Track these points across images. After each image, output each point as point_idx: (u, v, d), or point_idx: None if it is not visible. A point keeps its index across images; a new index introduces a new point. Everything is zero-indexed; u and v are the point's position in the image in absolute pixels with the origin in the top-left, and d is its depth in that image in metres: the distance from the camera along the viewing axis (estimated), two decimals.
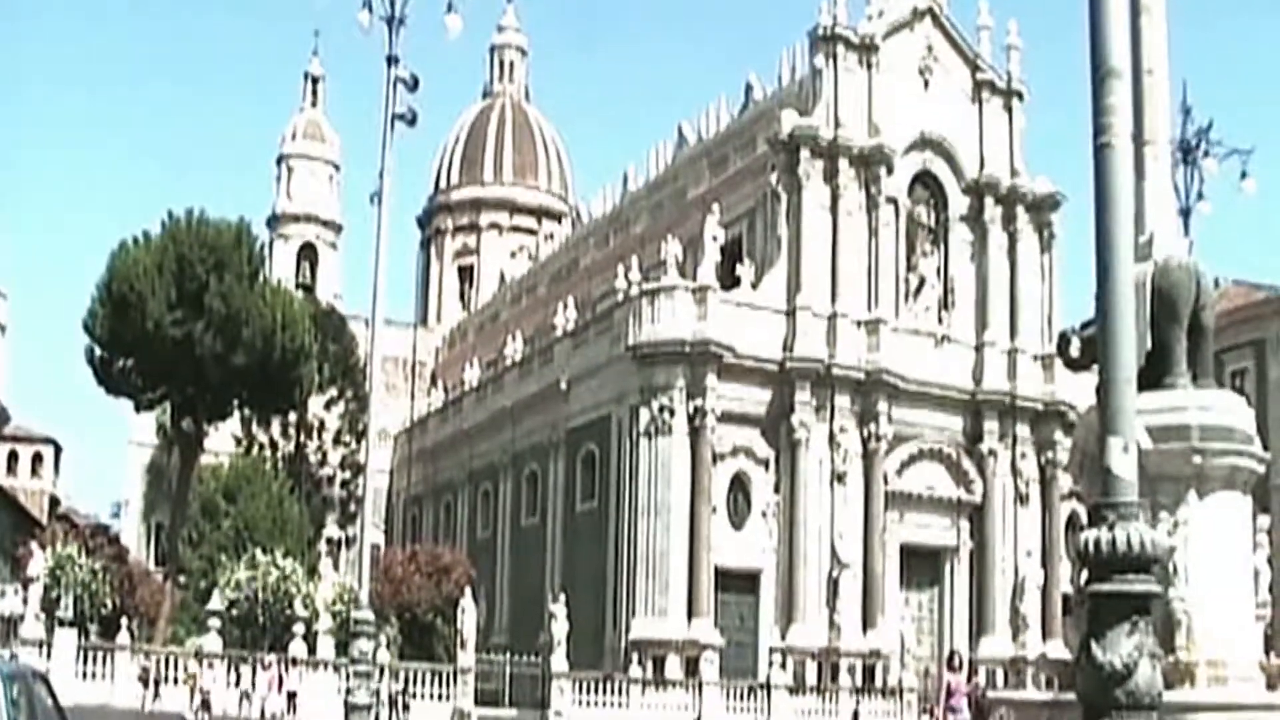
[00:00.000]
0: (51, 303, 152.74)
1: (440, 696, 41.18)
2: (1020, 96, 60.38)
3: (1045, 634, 54.82)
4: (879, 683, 50.60)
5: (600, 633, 51.31)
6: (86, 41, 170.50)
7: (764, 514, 52.43)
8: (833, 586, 51.93)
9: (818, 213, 54.44)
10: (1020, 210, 59.24)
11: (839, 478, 53.02)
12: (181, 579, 50.72)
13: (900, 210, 56.69)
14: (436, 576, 49.50)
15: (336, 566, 60.81)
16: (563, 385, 57.93)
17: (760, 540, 52.25)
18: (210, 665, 38.40)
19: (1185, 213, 16.89)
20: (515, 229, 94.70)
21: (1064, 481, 53.69)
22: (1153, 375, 12.87)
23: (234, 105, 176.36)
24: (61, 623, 40.38)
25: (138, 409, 53.23)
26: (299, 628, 41.33)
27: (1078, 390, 46.15)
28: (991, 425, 56.65)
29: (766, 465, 52.63)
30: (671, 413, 50.70)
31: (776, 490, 52.59)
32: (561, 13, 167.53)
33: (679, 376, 50.95)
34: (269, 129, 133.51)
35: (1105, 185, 7.87)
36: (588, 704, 43.55)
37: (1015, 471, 57.08)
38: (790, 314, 53.39)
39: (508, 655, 45.78)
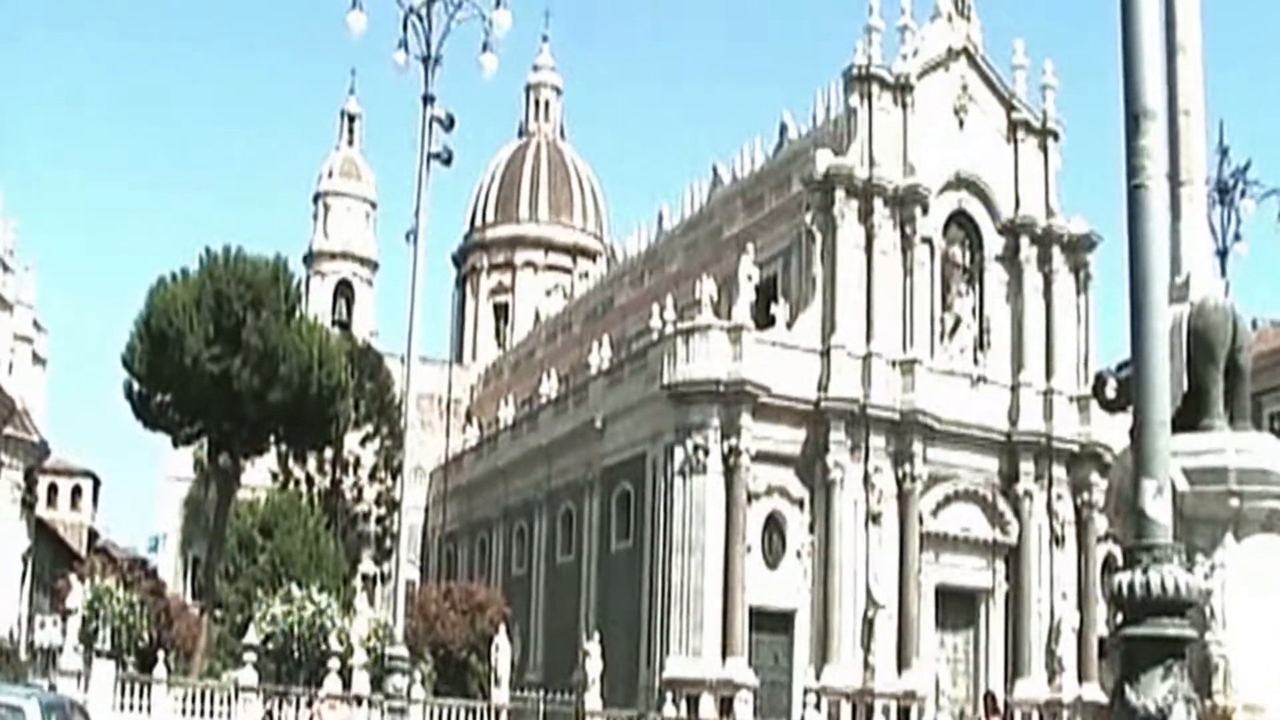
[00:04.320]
0: (91, 338, 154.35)
1: None
2: (1056, 136, 60.26)
3: (1081, 677, 54.22)
4: None
5: (634, 671, 51.16)
6: (126, 77, 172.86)
7: (798, 554, 52.24)
8: (868, 627, 51.61)
9: (853, 252, 54.43)
10: (1056, 250, 58.99)
11: (874, 518, 52.77)
12: (218, 613, 50.83)
13: (935, 250, 56.60)
14: (471, 613, 49.45)
15: (372, 602, 60.69)
16: (598, 424, 58.00)
17: (795, 580, 52.03)
18: (247, 701, 38.44)
19: (1222, 253, 16.82)
20: (550, 267, 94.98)
21: (1100, 523, 53.16)
22: (1189, 417, 12.79)
23: (271, 142, 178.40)
24: (99, 654, 40.42)
25: (175, 444, 53.40)
26: (334, 663, 41.36)
27: (1114, 432, 45.64)
28: (1027, 466, 56.27)
29: (801, 505, 52.47)
30: (706, 452, 50.67)
31: (811, 530, 52.40)
32: (596, 52, 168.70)
33: (714, 416, 50.93)
34: (306, 166, 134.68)
35: (1139, 227, 7.85)
36: None
37: (1051, 513, 56.61)
38: (825, 354, 53.31)
39: (542, 693, 45.60)
